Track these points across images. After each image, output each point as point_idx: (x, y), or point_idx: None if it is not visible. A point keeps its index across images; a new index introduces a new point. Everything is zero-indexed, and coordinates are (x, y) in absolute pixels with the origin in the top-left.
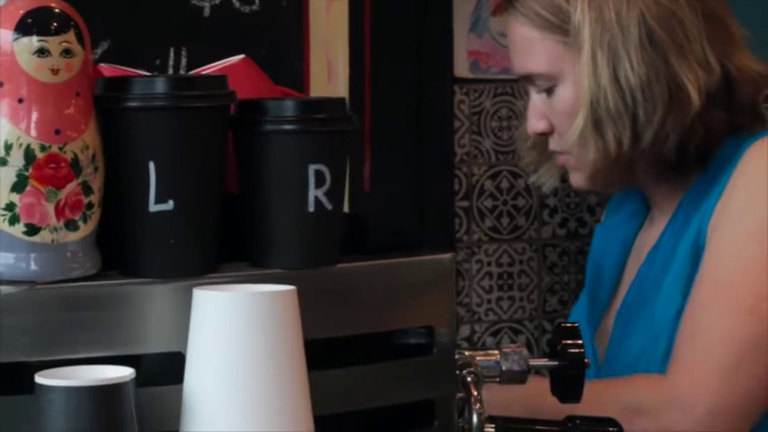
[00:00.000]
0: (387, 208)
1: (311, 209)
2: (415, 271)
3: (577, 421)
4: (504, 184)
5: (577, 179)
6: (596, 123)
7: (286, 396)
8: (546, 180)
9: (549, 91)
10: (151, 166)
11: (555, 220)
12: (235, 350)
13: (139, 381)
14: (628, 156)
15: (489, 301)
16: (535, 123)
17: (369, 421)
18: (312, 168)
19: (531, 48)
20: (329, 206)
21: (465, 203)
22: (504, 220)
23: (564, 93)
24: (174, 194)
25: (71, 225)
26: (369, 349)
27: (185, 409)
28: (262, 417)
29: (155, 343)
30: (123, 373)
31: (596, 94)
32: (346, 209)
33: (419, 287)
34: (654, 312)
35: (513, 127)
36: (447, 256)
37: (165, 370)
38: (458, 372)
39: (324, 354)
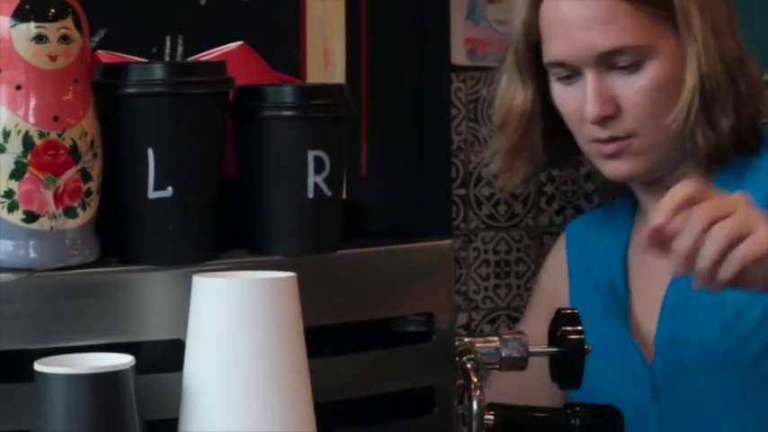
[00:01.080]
0: (384, 195)
1: (311, 195)
2: (415, 258)
3: (576, 408)
4: None
5: (632, 165)
6: (705, 99)
7: (286, 383)
8: (514, 181)
9: (632, 68)
10: (150, 152)
11: (552, 207)
12: (235, 337)
13: (139, 368)
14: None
15: (486, 289)
16: (601, 108)
17: (369, 408)
18: (311, 154)
19: (618, 20)
20: (329, 192)
21: (462, 191)
22: (502, 208)
23: (656, 69)
24: (172, 181)
25: (70, 212)
26: (369, 336)
27: (185, 397)
28: (262, 404)
29: (154, 330)
30: (123, 360)
31: (708, 69)
32: (343, 195)
33: (419, 274)
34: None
35: None
36: (446, 242)
37: (164, 357)
38: (457, 358)
39: (324, 341)
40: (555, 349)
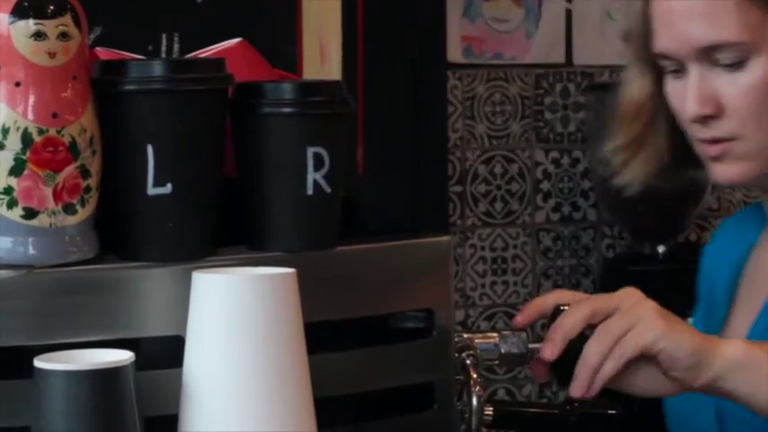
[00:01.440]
0: (380, 193)
1: (310, 192)
2: (414, 254)
3: (576, 404)
4: (498, 169)
5: (738, 170)
6: None
7: (286, 379)
8: (634, 179)
9: (736, 66)
10: (149, 149)
11: (549, 204)
12: (234, 333)
13: (139, 364)
14: None
15: (483, 286)
16: (701, 106)
17: (368, 404)
18: (311, 151)
19: (721, 14)
20: (328, 189)
21: (458, 188)
22: (498, 205)
23: (762, 67)
24: (172, 178)
25: (69, 209)
26: (368, 333)
27: (185, 393)
28: (262, 400)
29: (154, 326)
30: (122, 356)
31: None
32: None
33: (418, 270)
34: None
35: (507, 112)
36: (445, 239)
37: (164, 354)
38: (456, 355)
39: (323, 337)
40: None
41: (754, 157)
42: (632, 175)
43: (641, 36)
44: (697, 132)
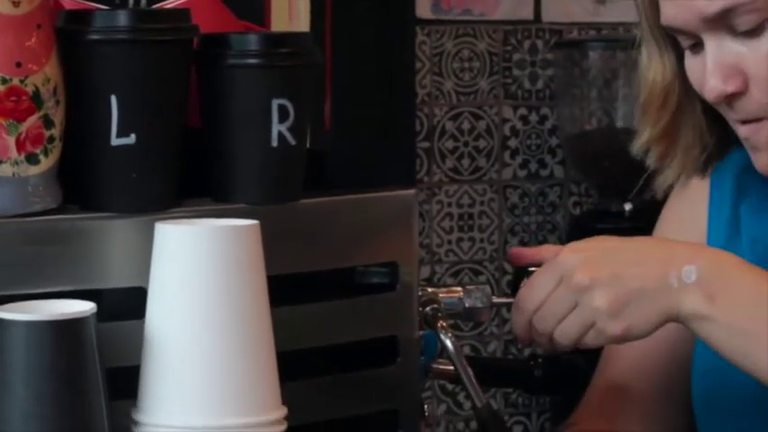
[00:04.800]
0: (347, 148)
1: (275, 144)
2: (378, 207)
3: (539, 360)
4: (466, 125)
5: None
6: None
7: (248, 331)
8: (673, 179)
9: (755, 31)
10: (113, 99)
11: (516, 161)
12: (197, 285)
13: (101, 316)
14: None
15: (450, 242)
16: (721, 83)
17: (331, 358)
18: (276, 103)
19: None
20: (293, 141)
21: (426, 144)
22: (465, 162)
23: None
24: (136, 128)
25: (32, 159)
26: (332, 286)
27: (147, 344)
28: (224, 352)
29: (116, 278)
30: (84, 307)
31: None
32: (307, 145)
33: (382, 223)
34: None
35: (475, 69)
36: (409, 192)
37: (126, 305)
38: (420, 308)
39: (287, 290)
40: None
41: None
42: (675, 169)
43: (648, 8)
44: (725, 113)
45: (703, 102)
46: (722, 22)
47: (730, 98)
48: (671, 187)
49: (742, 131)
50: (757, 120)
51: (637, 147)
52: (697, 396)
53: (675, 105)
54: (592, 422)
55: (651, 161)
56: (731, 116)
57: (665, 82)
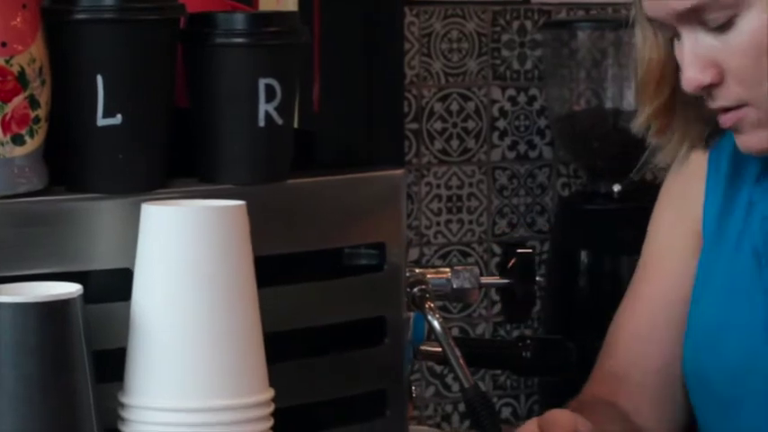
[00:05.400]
0: (336, 130)
1: (261, 123)
2: (366, 187)
3: (528, 341)
4: (454, 107)
5: (757, 139)
6: None
7: (235, 312)
8: (671, 160)
9: (724, 27)
10: (99, 79)
11: (505, 142)
12: (183, 265)
13: (88, 297)
14: None
15: (438, 224)
16: (698, 74)
17: (319, 339)
18: (263, 82)
19: None
20: (280, 121)
21: (414, 126)
22: (454, 143)
23: (751, 23)
24: (122, 108)
25: (18, 139)
26: (320, 267)
27: (133, 326)
28: (210, 333)
29: (103, 259)
30: (71, 289)
31: None
32: (294, 125)
33: (370, 204)
34: None
35: (464, 49)
36: (398, 172)
37: (113, 286)
38: (408, 289)
39: (274, 271)
40: (506, 281)
41: None
42: (676, 144)
43: None
44: (706, 102)
45: None
46: (694, 17)
47: (708, 89)
48: (663, 169)
49: (722, 120)
50: (736, 107)
51: (637, 125)
52: (689, 370)
53: (674, 81)
54: (595, 398)
55: (651, 137)
56: (711, 105)
57: (661, 59)
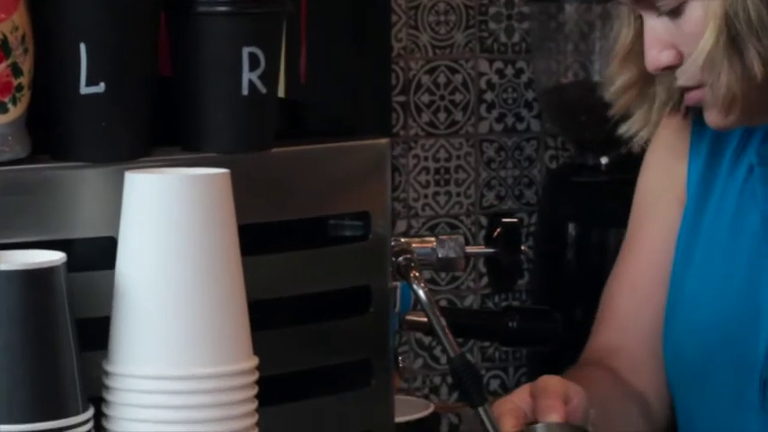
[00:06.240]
0: (323, 103)
1: (245, 92)
2: (351, 156)
3: (515, 311)
4: (442, 79)
5: (714, 117)
6: (733, 40)
7: (218, 280)
8: (639, 129)
9: (675, 12)
10: (82, 47)
11: (492, 115)
12: (167, 234)
13: (72, 266)
14: None
15: (426, 197)
16: (657, 55)
17: (303, 308)
18: (246, 51)
19: None
20: (263, 90)
21: (402, 98)
22: (442, 115)
23: (696, 11)
24: (105, 77)
25: (1, 107)
26: (304, 236)
27: (117, 294)
28: (194, 301)
29: (86, 227)
30: (54, 257)
31: (734, 5)
32: (278, 93)
33: (355, 173)
34: None
35: (451, 22)
36: (382, 141)
37: (97, 255)
38: (393, 259)
39: (259, 240)
40: (492, 250)
41: (731, 106)
42: (640, 118)
43: None
44: (674, 82)
45: None
46: (647, 2)
47: (667, 69)
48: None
49: (686, 98)
50: (697, 87)
51: (607, 94)
52: (666, 341)
53: (642, 63)
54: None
55: (619, 108)
56: (676, 83)
57: (632, 35)
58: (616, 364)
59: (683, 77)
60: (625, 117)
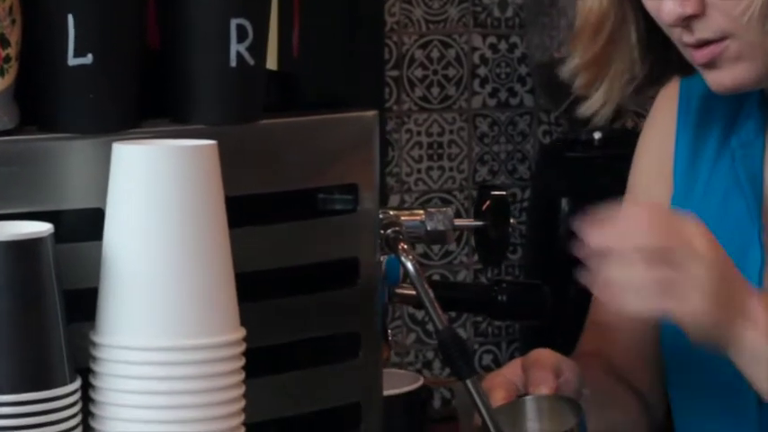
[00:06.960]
0: (315, 77)
1: (233, 64)
2: (339, 129)
3: (503, 284)
4: (435, 54)
5: (736, 74)
6: None
7: (206, 252)
8: (598, 107)
9: None
10: (69, 18)
11: (486, 90)
12: (154, 205)
13: (59, 237)
14: None
15: (419, 171)
16: (680, 5)
17: (290, 280)
18: (234, 22)
19: None
20: (251, 61)
21: (395, 73)
22: (435, 90)
23: None
24: (93, 48)
25: None
26: (293, 208)
27: (105, 266)
28: (181, 272)
29: (74, 199)
30: (41, 228)
31: None
32: (266, 65)
33: (342, 145)
34: None
35: None
36: (371, 113)
37: (84, 226)
38: (382, 231)
39: (247, 212)
40: (480, 223)
41: (751, 57)
42: (600, 97)
43: None
44: (681, 37)
45: (639, 31)
46: None
47: (688, 20)
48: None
49: (700, 56)
50: (717, 40)
51: (565, 71)
52: (667, 351)
53: (608, 35)
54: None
55: (578, 87)
56: (688, 39)
57: (601, 9)
58: (611, 347)
59: (704, 29)
60: (585, 96)
